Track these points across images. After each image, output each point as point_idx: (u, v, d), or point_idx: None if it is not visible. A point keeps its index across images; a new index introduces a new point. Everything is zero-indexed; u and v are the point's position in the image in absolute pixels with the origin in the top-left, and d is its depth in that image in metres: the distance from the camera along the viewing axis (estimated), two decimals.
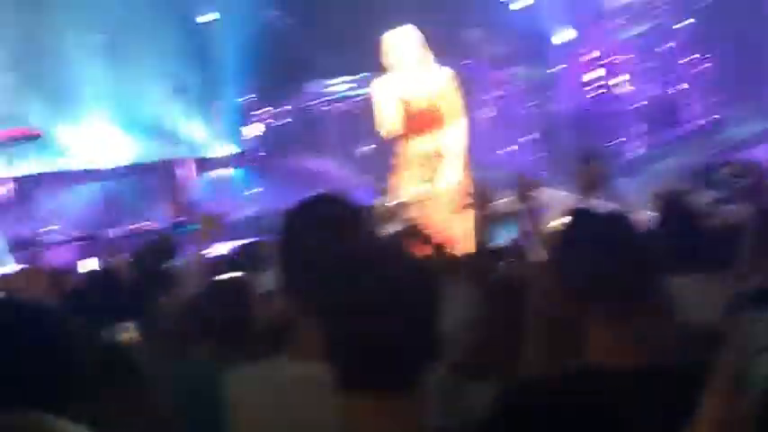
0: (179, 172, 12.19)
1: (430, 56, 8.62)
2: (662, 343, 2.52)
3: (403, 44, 8.49)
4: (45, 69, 12.58)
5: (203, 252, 5.36)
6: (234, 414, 2.66)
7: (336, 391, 2.00)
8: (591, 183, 5.85)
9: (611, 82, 12.47)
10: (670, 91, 12.50)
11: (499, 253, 4.58)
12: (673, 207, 4.46)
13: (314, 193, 2.77)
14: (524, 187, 4.65)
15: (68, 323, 2.14)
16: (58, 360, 2.02)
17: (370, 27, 9.39)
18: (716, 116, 12.31)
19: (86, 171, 12.90)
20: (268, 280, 4.39)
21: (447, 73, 8.68)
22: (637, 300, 2.45)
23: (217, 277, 4.42)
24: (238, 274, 4.70)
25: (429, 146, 8.63)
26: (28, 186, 12.01)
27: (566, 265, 2.56)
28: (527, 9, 13.04)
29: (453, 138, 8.62)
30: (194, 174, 12.26)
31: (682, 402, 2.19)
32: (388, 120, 8.58)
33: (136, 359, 2.93)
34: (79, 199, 12.58)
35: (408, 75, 8.50)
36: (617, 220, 2.61)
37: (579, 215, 2.71)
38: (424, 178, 8.62)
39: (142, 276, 5.26)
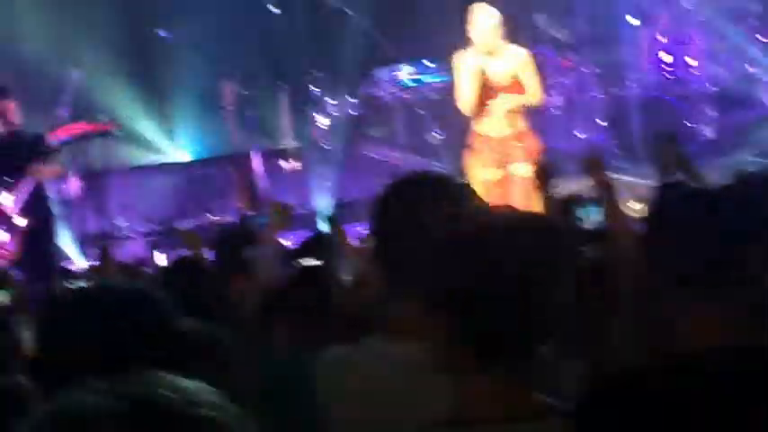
0: (249, 164, 12.23)
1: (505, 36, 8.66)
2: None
3: (487, 19, 8.54)
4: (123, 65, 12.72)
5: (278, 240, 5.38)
6: (324, 397, 2.64)
7: (445, 371, 2.00)
8: (670, 163, 5.75)
9: (684, 63, 12.32)
10: (744, 74, 12.32)
11: (584, 235, 4.53)
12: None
13: (411, 173, 2.75)
14: (595, 166, 4.59)
15: (161, 304, 2.16)
16: (153, 336, 2.05)
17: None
18: None
19: (158, 165, 13.02)
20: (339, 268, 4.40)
21: (525, 53, 8.74)
22: (733, 281, 2.40)
23: (300, 262, 4.43)
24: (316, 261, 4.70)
25: (505, 127, 8.64)
26: (99, 181, 12.13)
27: (658, 246, 2.52)
28: None
29: (529, 119, 8.64)
30: (264, 166, 12.29)
31: None
32: (467, 94, 8.60)
33: (225, 343, 2.93)
34: (150, 193, 12.69)
35: (490, 50, 8.55)
36: (710, 197, 2.56)
37: (670, 192, 2.67)
38: (498, 163, 8.62)
39: (224, 262, 5.28)
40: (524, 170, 8.33)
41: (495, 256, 2.03)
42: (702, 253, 2.38)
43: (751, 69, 12.30)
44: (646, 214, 2.58)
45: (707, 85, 12.22)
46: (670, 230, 2.45)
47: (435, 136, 12.16)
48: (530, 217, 2.24)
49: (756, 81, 12.27)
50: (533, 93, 8.74)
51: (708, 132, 12.04)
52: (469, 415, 2.02)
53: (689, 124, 11.97)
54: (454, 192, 2.63)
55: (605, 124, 12.29)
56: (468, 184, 2.71)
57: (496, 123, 8.69)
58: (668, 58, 12.42)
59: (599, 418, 2.08)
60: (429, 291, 2.10)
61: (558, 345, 2.08)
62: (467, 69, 8.64)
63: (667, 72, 12.45)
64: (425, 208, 2.55)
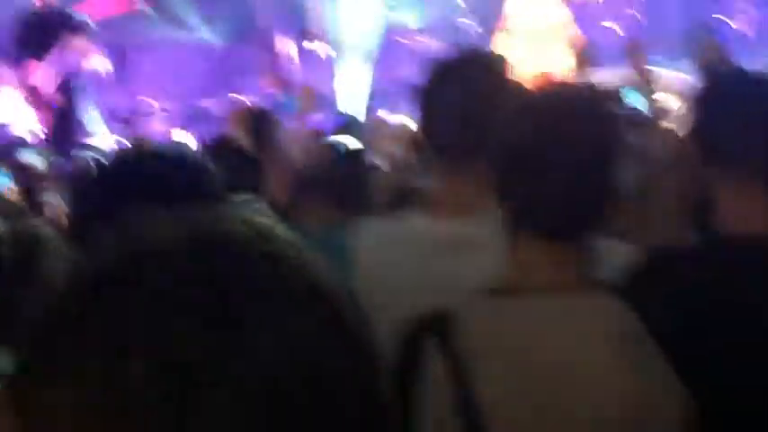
0: (276, 45, 12.14)
1: None
2: None
3: None
4: None
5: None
6: (363, 269, 2.62)
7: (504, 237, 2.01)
8: (710, 56, 5.70)
9: None
10: None
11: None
12: None
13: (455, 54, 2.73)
14: (637, 53, 4.56)
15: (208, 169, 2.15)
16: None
17: None
18: None
19: (188, 45, 12.92)
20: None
21: None
22: None
23: (333, 139, 4.41)
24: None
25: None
26: (126, 57, 12.07)
27: (703, 127, 2.50)
28: None
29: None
30: (294, 48, 12.19)
31: None
32: None
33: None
34: (177, 70, 12.62)
35: None
36: (760, 80, 2.54)
37: (719, 76, 2.65)
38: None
39: (256, 143, 5.27)
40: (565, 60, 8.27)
41: (557, 123, 2.02)
42: (752, 135, 2.36)
43: None
44: (689, 103, 2.56)
45: None
46: (721, 112, 2.44)
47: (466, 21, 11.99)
48: (588, 91, 2.23)
49: None
50: None
51: (745, 29, 11.84)
52: (516, 285, 2.03)
53: (725, 19, 11.76)
54: (499, 67, 2.62)
55: (639, 16, 12.10)
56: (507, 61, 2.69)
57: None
58: None
59: (643, 293, 2.09)
60: (490, 157, 2.10)
61: (608, 225, 2.08)
62: None
63: None
64: (473, 83, 2.54)
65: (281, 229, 0.90)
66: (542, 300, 2.01)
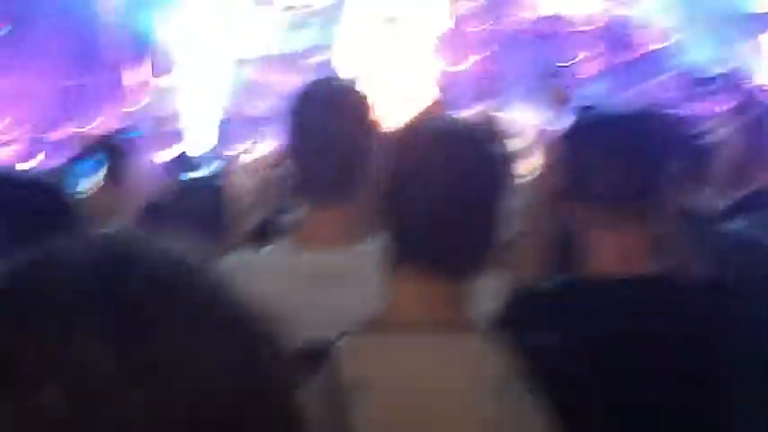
0: (127, 75, 11.96)
1: None
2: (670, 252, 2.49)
3: None
4: None
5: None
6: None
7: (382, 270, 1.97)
8: (559, 98, 5.82)
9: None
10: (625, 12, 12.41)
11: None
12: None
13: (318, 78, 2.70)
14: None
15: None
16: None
17: None
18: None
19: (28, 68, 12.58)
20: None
21: None
22: (640, 203, 2.42)
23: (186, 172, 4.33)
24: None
25: None
26: None
27: (568, 163, 2.53)
28: None
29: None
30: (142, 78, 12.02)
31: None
32: None
33: None
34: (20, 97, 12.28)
35: None
36: (622, 121, 2.57)
37: (587, 116, 2.67)
38: None
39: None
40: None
41: (441, 154, 1.99)
42: (617, 175, 2.39)
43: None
44: (564, 135, 2.58)
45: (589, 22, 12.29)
46: (587, 151, 2.46)
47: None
48: (471, 125, 2.22)
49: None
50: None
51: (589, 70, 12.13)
52: (392, 321, 1.99)
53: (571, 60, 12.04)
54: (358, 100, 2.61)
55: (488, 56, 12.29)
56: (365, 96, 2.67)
57: None
58: None
59: (510, 333, 2.07)
60: (372, 186, 2.06)
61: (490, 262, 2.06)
62: None
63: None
64: (337, 114, 2.52)
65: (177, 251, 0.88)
66: (417, 338, 1.97)
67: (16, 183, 2.13)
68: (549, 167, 2.65)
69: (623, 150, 2.45)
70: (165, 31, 12.57)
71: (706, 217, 3.28)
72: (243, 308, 0.88)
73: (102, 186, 5.09)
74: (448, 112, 4.65)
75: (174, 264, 0.87)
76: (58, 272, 0.83)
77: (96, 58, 12.54)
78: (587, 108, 2.80)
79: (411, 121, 2.51)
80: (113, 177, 5.30)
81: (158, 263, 0.85)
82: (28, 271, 0.84)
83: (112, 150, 5.79)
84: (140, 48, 12.55)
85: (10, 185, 2.12)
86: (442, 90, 8.02)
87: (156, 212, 4.21)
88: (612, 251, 2.39)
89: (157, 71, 12.39)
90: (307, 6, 12.42)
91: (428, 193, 1.96)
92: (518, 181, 2.53)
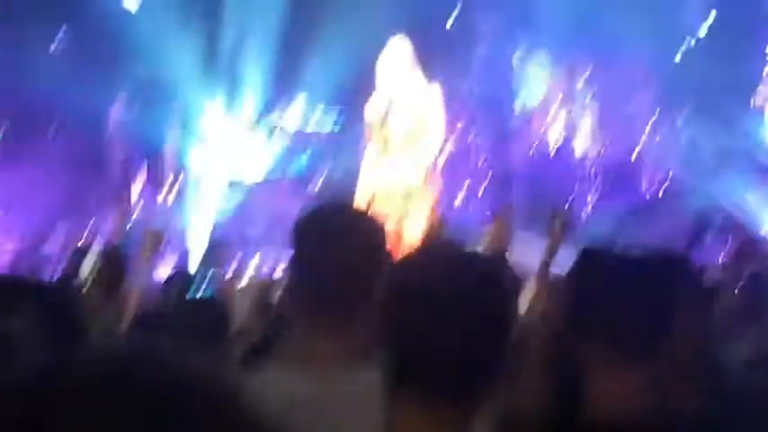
0: (126, 182, 11.97)
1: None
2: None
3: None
4: None
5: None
6: None
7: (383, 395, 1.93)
8: (561, 234, 5.79)
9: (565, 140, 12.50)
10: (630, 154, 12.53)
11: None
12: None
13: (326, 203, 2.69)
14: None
15: None
16: None
17: None
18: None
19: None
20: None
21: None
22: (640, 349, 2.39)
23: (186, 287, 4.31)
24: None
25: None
26: None
27: (572, 303, 2.50)
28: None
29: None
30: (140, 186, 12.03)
31: None
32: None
33: None
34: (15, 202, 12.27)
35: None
36: (634, 265, 2.55)
37: (593, 256, 2.65)
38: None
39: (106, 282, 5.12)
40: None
41: (449, 278, 1.96)
42: (622, 319, 2.36)
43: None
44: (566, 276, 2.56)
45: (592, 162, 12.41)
46: (591, 293, 2.44)
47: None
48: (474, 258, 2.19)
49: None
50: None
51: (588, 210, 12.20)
52: None
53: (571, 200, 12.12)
54: (374, 221, 2.61)
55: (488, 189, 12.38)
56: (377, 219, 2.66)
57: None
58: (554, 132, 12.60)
59: None
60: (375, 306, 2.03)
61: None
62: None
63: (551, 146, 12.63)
64: (341, 237, 2.50)
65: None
66: None
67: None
68: (552, 304, 2.62)
69: (629, 293, 2.42)
70: (170, 152, 12.68)
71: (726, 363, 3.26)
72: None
73: (97, 294, 5.06)
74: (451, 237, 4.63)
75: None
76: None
77: (97, 168, 12.59)
78: (593, 247, 2.78)
79: (415, 244, 2.50)
80: (107, 286, 5.28)
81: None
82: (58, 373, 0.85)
83: (108, 258, 5.78)
84: (142, 163, 12.62)
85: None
86: (445, 217, 8.01)
87: (150, 326, 4.17)
88: (612, 394, 2.35)
89: (156, 187, 12.45)
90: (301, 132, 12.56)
91: (431, 317, 1.92)
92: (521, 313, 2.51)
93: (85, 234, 11.27)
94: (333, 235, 2.52)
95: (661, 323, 2.40)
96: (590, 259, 2.60)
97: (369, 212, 2.79)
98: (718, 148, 11.60)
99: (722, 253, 6.03)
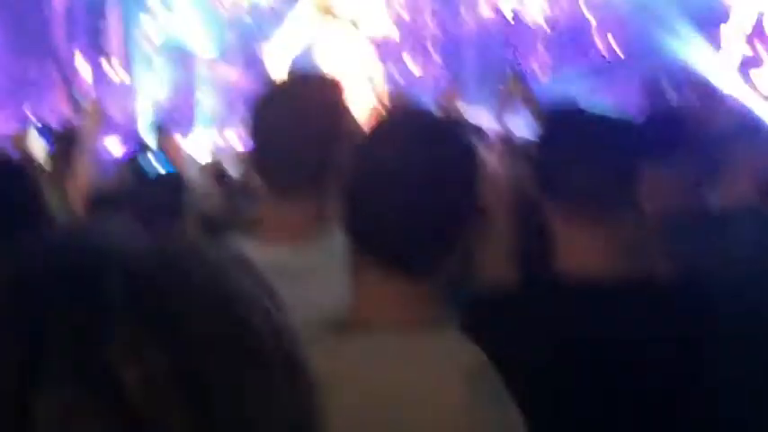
0: (72, 62, 11.78)
1: None
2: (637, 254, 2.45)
3: None
4: None
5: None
6: None
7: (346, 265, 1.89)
8: (518, 98, 5.77)
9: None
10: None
11: None
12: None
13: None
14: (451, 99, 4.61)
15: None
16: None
17: None
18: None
19: None
20: None
21: None
22: (616, 206, 2.38)
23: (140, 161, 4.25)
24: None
25: None
26: None
27: (540, 161, 2.49)
28: None
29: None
30: (88, 66, 11.86)
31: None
32: None
33: None
34: None
35: None
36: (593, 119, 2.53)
37: (561, 115, 2.65)
38: None
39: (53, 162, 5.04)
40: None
41: (403, 144, 1.92)
42: (592, 175, 2.36)
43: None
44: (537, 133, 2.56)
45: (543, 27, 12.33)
46: (556, 147, 2.44)
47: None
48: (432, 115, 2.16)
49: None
50: None
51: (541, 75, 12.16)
52: (357, 320, 1.91)
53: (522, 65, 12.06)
54: (331, 88, 2.56)
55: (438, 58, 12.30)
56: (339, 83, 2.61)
57: None
58: None
59: (478, 332, 2.01)
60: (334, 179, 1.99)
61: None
62: None
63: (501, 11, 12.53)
64: (303, 105, 2.46)
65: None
66: (385, 337, 1.89)
67: None
68: (517, 165, 2.61)
69: (596, 149, 2.41)
70: (116, 25, 12.46)
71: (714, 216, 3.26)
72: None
73: (52, 172, 5.00)
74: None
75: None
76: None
77: (46, 48, 12.38)
78: (559, 106, 2.78)
79: (377, 113, 2.46)
80: (62, 163, 5.21)
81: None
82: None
83: (62, 136, 5.70)
84: (93, 39, 12.40)
85: None
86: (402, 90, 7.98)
87: (106, 203, 4.12)
88: (582, 251, 2.36)
89: (106, 57, 12.27)
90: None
91: (390, 188, 1.88)
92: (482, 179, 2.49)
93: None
94: (289, 100, 2.48)
95: (629, 178, 2.41)
96: (561, 118, 2.60)
97: (325, 78, 2.73)
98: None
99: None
